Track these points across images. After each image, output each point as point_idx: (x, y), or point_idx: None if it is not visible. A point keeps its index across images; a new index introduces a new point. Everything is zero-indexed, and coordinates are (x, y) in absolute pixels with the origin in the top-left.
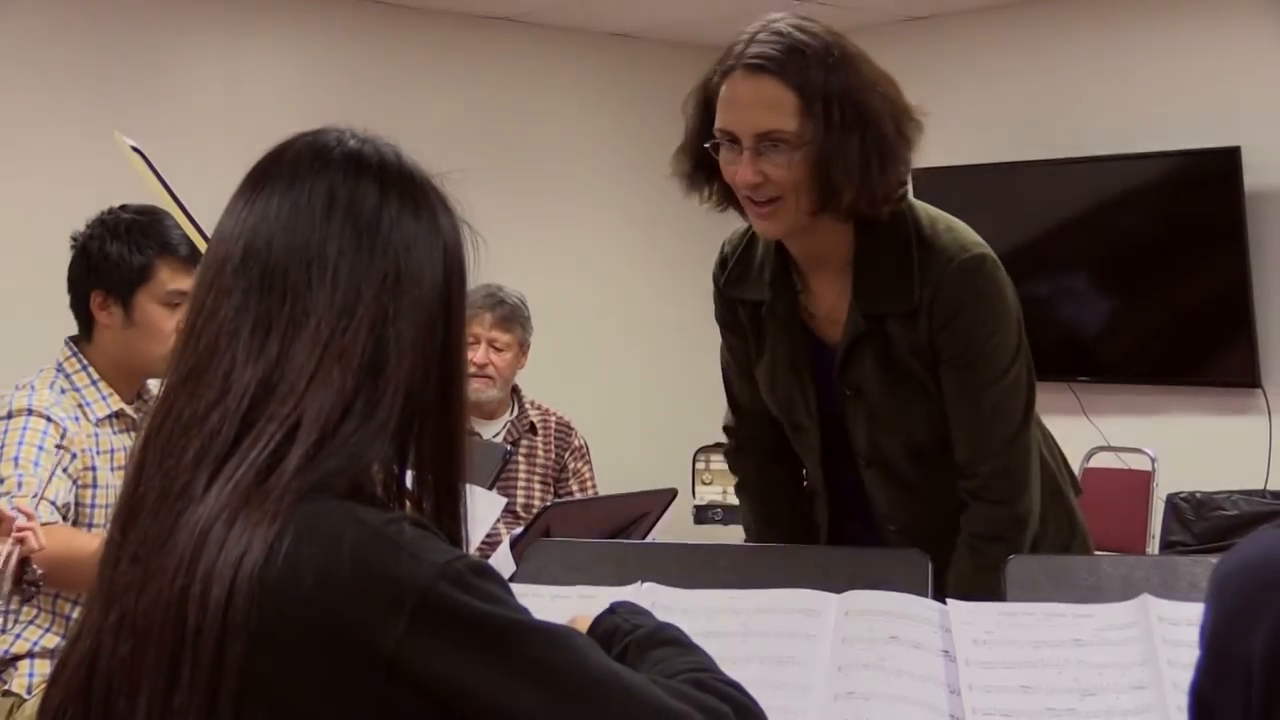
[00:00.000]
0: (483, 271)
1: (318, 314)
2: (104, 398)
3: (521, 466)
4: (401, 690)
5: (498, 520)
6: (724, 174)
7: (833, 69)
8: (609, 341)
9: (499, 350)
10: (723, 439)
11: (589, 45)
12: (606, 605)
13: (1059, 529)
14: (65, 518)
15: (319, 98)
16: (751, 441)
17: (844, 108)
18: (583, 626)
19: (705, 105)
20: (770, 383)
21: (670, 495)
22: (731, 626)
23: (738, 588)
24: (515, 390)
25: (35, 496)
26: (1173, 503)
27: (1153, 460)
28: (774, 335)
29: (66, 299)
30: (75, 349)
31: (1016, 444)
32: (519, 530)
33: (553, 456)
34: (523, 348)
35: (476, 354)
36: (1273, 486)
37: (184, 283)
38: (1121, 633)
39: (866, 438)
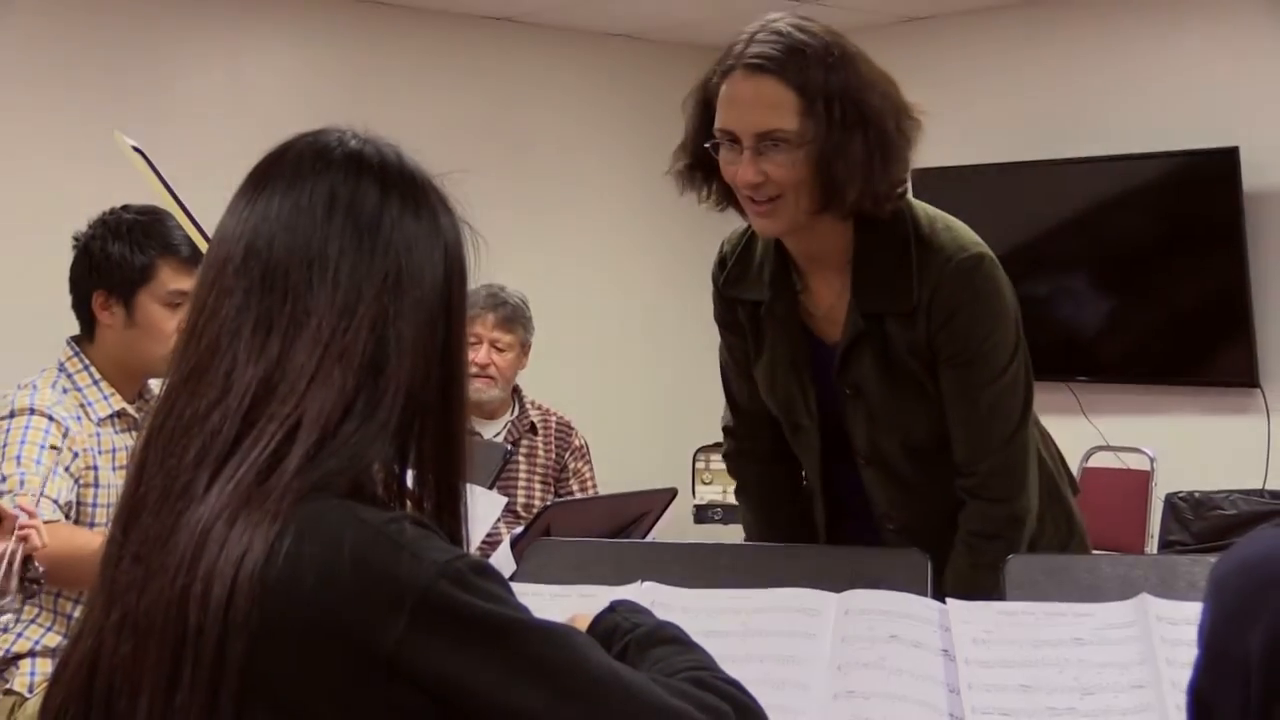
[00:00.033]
0: (483, 271)
1: (319, 314)
2: (105, 397)
3: (522, 466)
4: (402, 689)
5: (498, 520)
6: (724, 173)
7: (833, 68)
8: (609, 341)
9: (501, 351)
10: (723, 439)
11: (589, 45)
12: (606, 604)
13: (1057, 528)
14: (67, 516)
15: (320, 98)
16: (751, 442)
17: (845, 106)
18: (582, 625)
19: (704, 105)
20: (770, 382)
21: (670, 495)
22: (731, 625)
23: (738, 587)
24: (516, 390)
25: (37, 495)
26: (1171, 502)
27: (1151, 460)
28: (773, 335)
29: (68, 299)
30: (77, 349)
31: (1014, 442)
32: (519, 529)
33: (553, 456)
34: (524, 348)
35: (479, 354)
36: (1271, 486)
37: (186, 283)
38: (1120, 632)
39: (865, 437)
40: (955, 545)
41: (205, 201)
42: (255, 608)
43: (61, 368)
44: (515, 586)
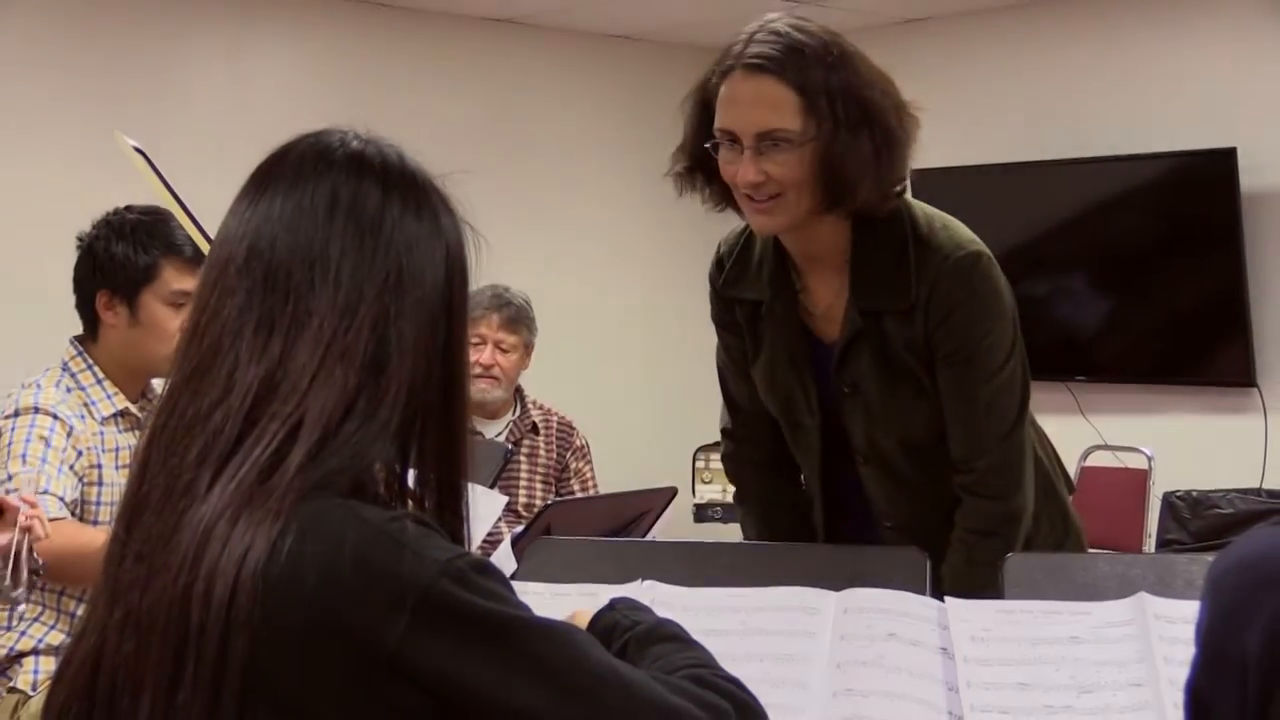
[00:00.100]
0: (484, 271)
1: (320, 314)
2: (109, 396)
3: (523, 466)
4: (404, 687)
5: (499, 519)
6: (723, 173)
7: (832, 67)
8: (609, 341)
9: (505, 351)
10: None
11: (590, 47)
12: (606, 602)
13: (1053, 527)
14: (73, 514)
15: (321, 99)
16: (750, 444)
17: (847, 105)
18: (582, 622)
19: (703, 106)
20: (769, 382)
21: (670, 493)
22: (731, 624)
23: (737, 586)
24: (519, 391)
25: (44, 492)
26: (1169, 501)
27: (1149, 459)
28: (773, 334)
29: (72, 299)
30: (80, 348)
31: (1011, 440)
32: (520, 528)
33: (554, 456)
34: (527, 349)
35: (483, 355)
36: (1268, 485)
37: (189, 283)
38: (1118, 630)
39: (864, 435)
40: (952, 542)
41: (206, 202)
42: (257, 606)
43: (65, 367)
44: (516, 585)
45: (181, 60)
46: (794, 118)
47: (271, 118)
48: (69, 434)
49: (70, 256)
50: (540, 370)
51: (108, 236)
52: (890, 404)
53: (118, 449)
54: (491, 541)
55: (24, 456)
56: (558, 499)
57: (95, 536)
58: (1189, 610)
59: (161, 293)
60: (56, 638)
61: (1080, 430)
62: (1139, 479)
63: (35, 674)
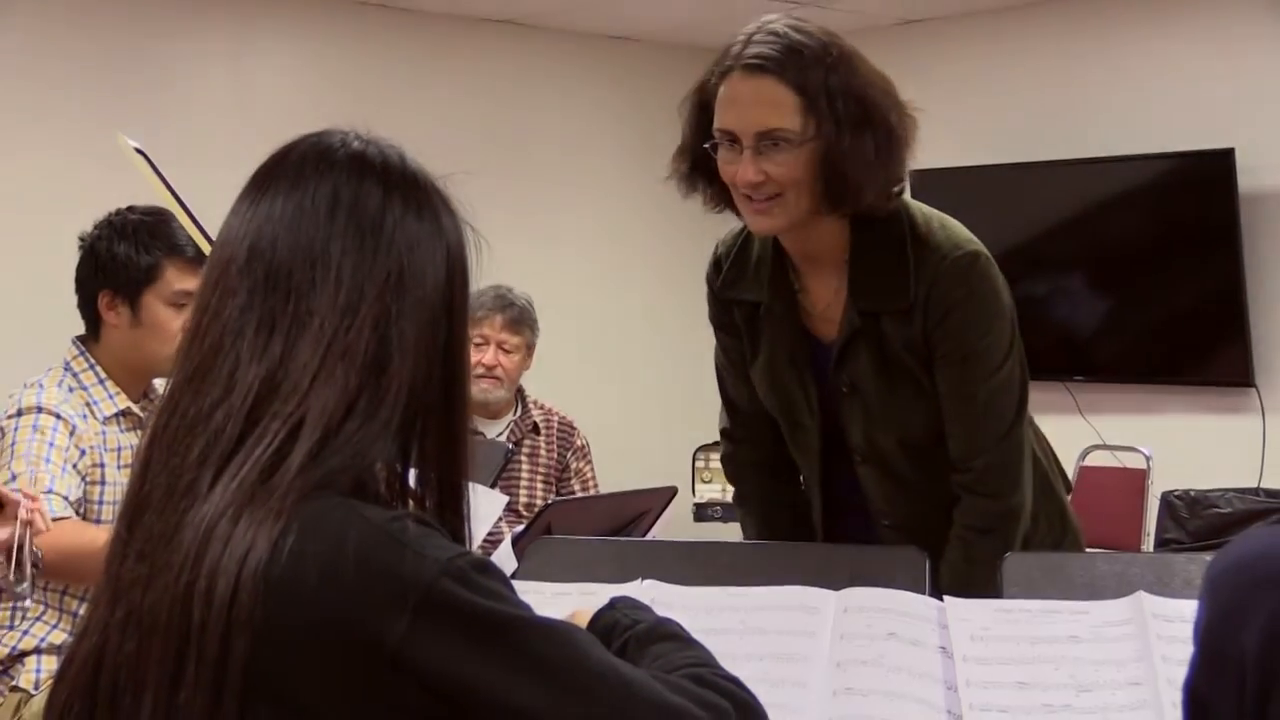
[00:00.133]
0: (484, 271)
1: (321, 313)
2: (111, 396)
3: (524, 466)
4: (405, 686)
5: (500, 518)
6: (723, 174)
7: (832, 68)
8: (609, 341)
9: (507, 352)
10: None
11: (590, 48)
12: (606, 601)
13: (1050, 526)
14: (76, 513)
15: (322, 100)
16: (749, 445)
17: (847, 105)
18: (582, 621)
19: (702, 107)
20: (769, 382)
21: (670, 493)
22: (731, 623)
23: (737, 585)
24: (520, 391)
25: (48, 492)
26: (1167, 501)
27: (1148, 459)
28: (772, 334)
29: (73, 299)
30: (82, 348)
31: (1009, 439)
32: (520, 528)
33: (555, 456)
34: (530, 349)
35: (486, 355)
36: (1266, 485)
37: (191, 283)
38: (1117, 629)
39: (862, 434)
40: (950, 539)
41: (207, 203)
42: (259, 606)
43: (67, 367)
44: (517, 584)
45: (181, 60)
46: (793, 117)
47: (272, 118)
48: (72, 433)
49: (72, 256)
50: (541, 370)
51: (110, 237)
52: (889, 403)
53: (120, 449)
54: (492, 541)
55: (28, 456)
56: (558, 498)
57: (97, 536)
58: (1187, 609)
59: (163, 293)
60: (59, 637)
61: (1079, 430)
62: (1137, 479)
63: (38, 673)
